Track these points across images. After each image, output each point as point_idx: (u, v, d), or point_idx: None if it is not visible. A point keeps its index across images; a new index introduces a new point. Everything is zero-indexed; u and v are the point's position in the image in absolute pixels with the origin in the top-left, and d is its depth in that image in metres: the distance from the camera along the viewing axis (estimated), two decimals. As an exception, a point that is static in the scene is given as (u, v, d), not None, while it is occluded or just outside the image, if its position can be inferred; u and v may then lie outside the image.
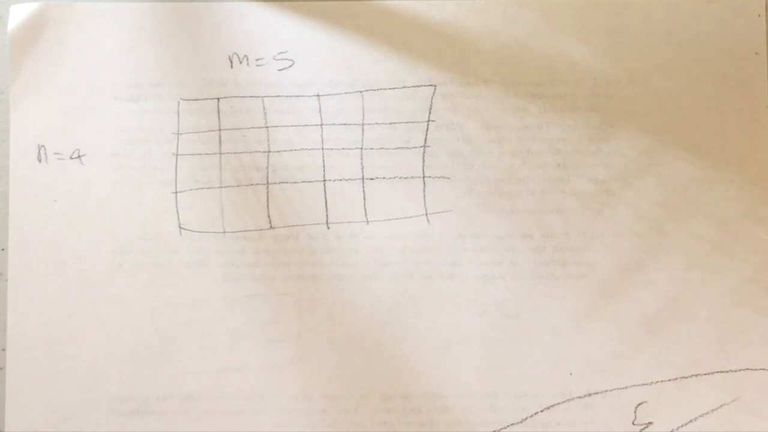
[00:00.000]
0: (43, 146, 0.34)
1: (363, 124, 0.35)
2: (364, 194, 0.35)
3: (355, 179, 0.35)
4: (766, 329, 0.34)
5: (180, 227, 0.34)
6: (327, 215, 0.34)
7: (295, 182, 0.35)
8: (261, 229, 0.34)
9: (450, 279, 0.34)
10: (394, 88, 0.35)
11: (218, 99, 0.35)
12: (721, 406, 0.33)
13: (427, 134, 0.35)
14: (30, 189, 0.34)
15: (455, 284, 0.34)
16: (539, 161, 0.35)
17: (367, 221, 0.34)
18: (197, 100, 0.35)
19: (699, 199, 0.34)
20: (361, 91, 0.35)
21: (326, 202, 0.35)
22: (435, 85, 0.35)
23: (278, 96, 0.35)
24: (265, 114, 0.35)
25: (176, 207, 0.34)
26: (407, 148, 0.35)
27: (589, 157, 0.35)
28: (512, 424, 0.34)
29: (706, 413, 0.33)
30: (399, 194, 0.35)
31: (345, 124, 0.35)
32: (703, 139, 0.35)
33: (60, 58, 0.35)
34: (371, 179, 0.35)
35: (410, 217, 0.35)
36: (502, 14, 0.35)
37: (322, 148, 0.35)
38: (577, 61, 0.35)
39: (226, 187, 0.35)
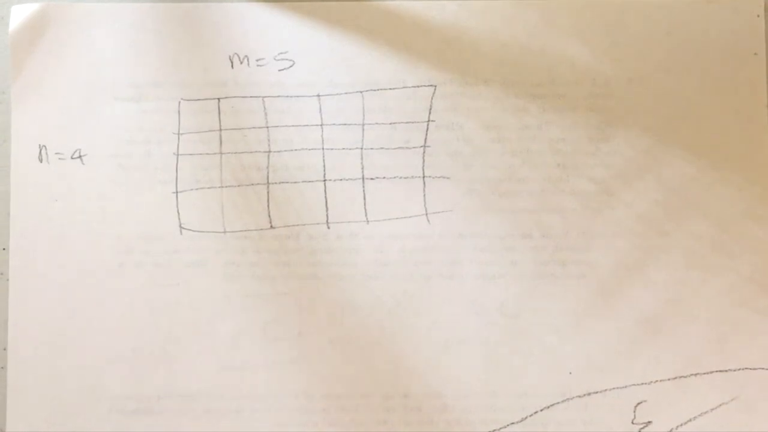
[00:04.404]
0: (44, 146, 0.34)
1: (363, 124, 0.35)
2: (364, 194, 0.35)
3: (355, 179, 0.35)
4: (766, 329, 0.34)
5: (180, 227, 0.34)
6: (327, 215, 0.35)
7: (295, 182, 0.35)
8: (261, 229, 0.34)
9: (450, 279, 0.34)
10: (394, 88, 0.35)
11: (219, 99, 0.35)
12: (720, 405, 0.34)
13: (427, 134, 0.35)
14: (31, 189, 0.34)
15: (455, 284, 0.34)
16: (539, 161, 0.35)
17: (368, 221, 0.35)
18: (198, 100, 0.35)
19: (698, 199, 0.34)
20: (361, 91, 0.35)
21: (326, 201, 0.35)
22: (435, 85, 0.35)
23: (279, 96, 0.35)
24: (266, 114, 0.35)
25: (177, 207, 0.34)
26: (407, 148, 0.35)
27: (589, 157, 0.35)
28: (512, 423, 0.34)
29: (705, 412, 0.34)
30: (399, 194, 0.35)
31: (345, 124, 0.35)
32: (703, 139, 0.35)
33: (61, 58, 0.35)
34: (371, 179, 0.35)
35: (410, 217, 0.35)
36: (502, 14, 0.35)
37: (323, 148, 0.35)
38: (576, 61, 0.35)
39: (226, 186, 0.35)
